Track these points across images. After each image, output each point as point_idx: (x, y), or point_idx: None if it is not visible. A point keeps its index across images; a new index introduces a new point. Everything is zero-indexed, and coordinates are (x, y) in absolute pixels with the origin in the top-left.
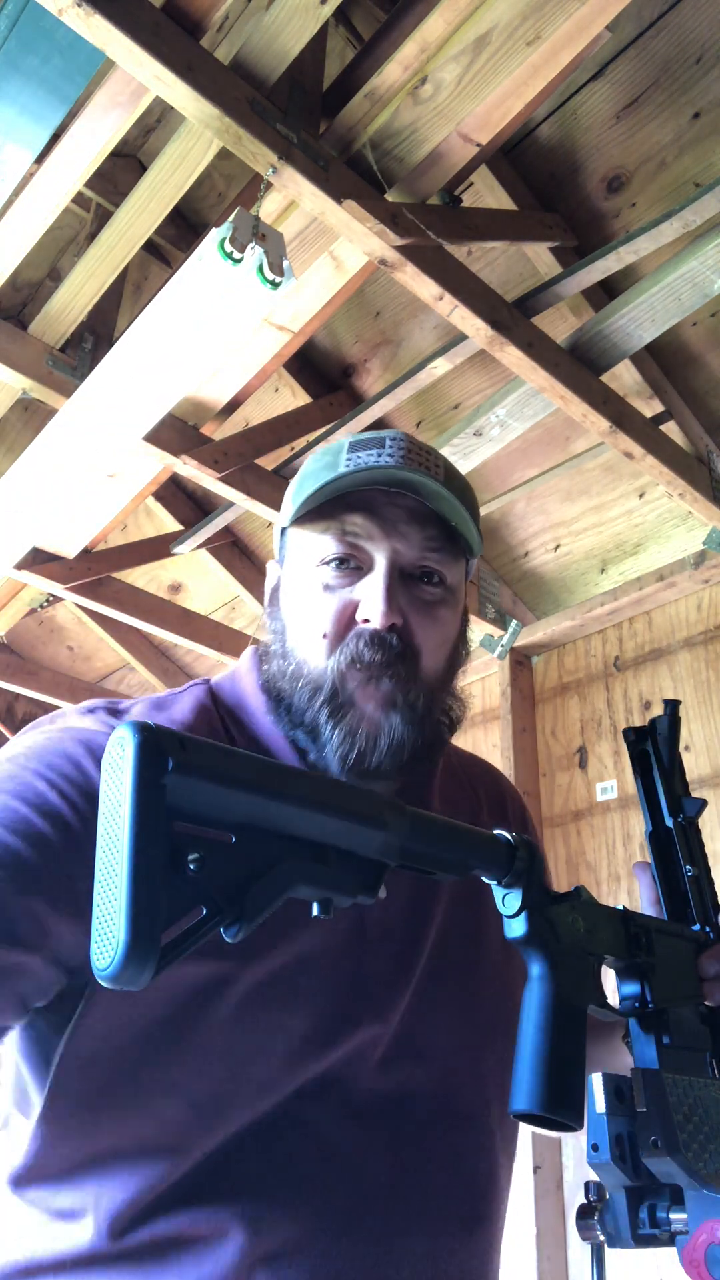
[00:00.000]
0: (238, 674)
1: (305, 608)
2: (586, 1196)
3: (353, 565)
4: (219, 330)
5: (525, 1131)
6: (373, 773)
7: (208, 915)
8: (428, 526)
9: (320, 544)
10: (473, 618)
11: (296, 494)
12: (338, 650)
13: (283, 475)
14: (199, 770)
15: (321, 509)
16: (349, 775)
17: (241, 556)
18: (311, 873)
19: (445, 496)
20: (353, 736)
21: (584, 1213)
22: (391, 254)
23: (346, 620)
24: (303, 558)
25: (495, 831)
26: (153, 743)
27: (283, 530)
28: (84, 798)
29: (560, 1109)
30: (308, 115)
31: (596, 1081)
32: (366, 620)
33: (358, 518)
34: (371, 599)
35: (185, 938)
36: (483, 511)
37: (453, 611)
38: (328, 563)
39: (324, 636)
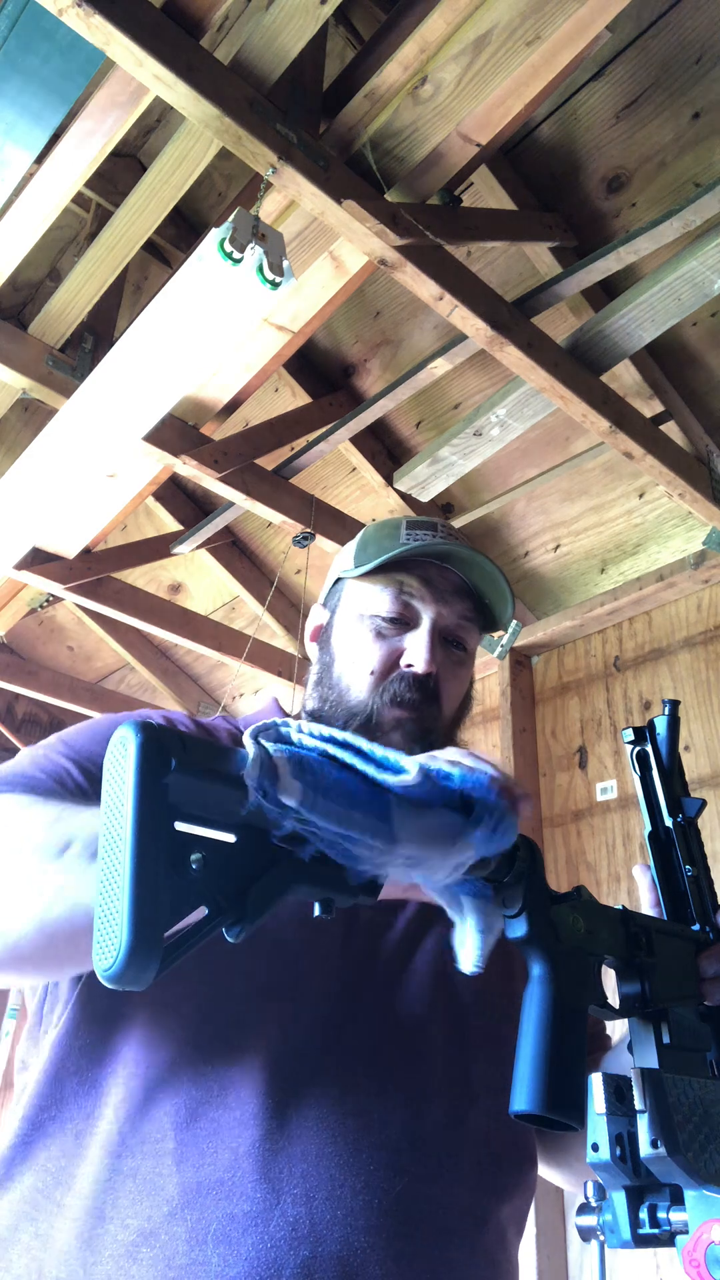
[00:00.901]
0: (261, 714)
1: (357, 648)
2: (586, 1196)
3: (402, 621)
4: (219, 330)
5: None
6: None
7: (209, 915)
8: (467, 600)
9: (379, 598)
10: None
11: (360, 553)
12: (381, 687)
13: (283, 475)
14: (201, 770)
15: (384, 570)
16: None
17: (241, 556)
18: (313, 872)
19: (491, 571)
20: None
21: (584, 1212)
22: (391, 254)
23: (392, 664)
24: (358, 607)
25: None
26: (155, 742)
27: (337, 580)
28: None
29: (560, 1109)
30: (308, 115)
31: (596, 1081)
32: (410, 665)
33: (415, 582)
34: (417, 648)
35: (187, 937)
36: (482, 511)
37: (469, 673)
38: (384, 616)
39: (371, 673)
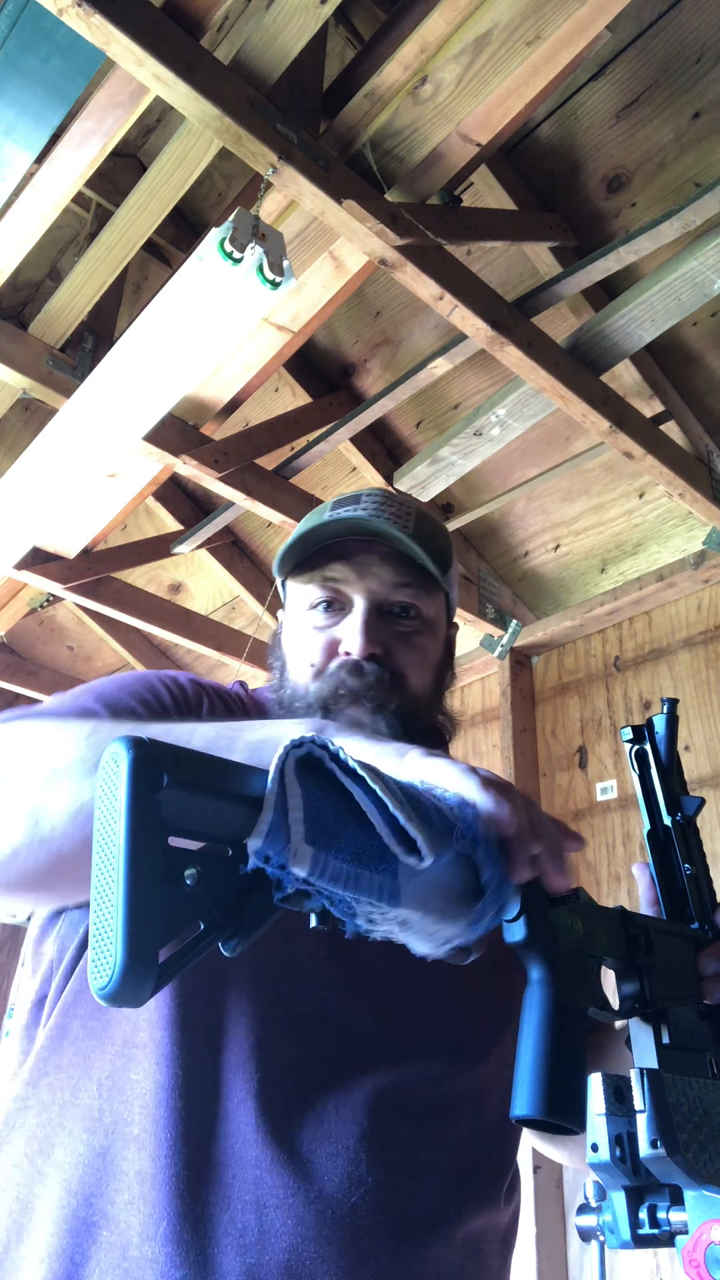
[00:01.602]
0: (264, 690)
1: (298, 645)
2: (586, 1196)
3: (336, 607)
4: (219, 330)
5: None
6: None
7: (205, 930)
8: (399, 566)
9: (307, 592)
10: (473, 618)
11: (284, 552)
12: (322, 678)
13: (283, 475)
14: (194, 784)
15: (310, 561)
16: None
17: (241, 556)
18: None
19: (409, 544)
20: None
21: (584, 1212)
22: (391, 254)
23: (331, 654)
24: (297, 604)
25: None
26: (146, 757)
27: (283, 582)
28: (181, 691)
29: (561, 1113)
30: (308, 115)
31: (596, 1082)
32: (348, 652)
33: (336, 566)
34: (350, 633)
35: (183, 953)
36: (482, 511)
37: (432, 640)
38: (315, 607)
39: (312, 666)
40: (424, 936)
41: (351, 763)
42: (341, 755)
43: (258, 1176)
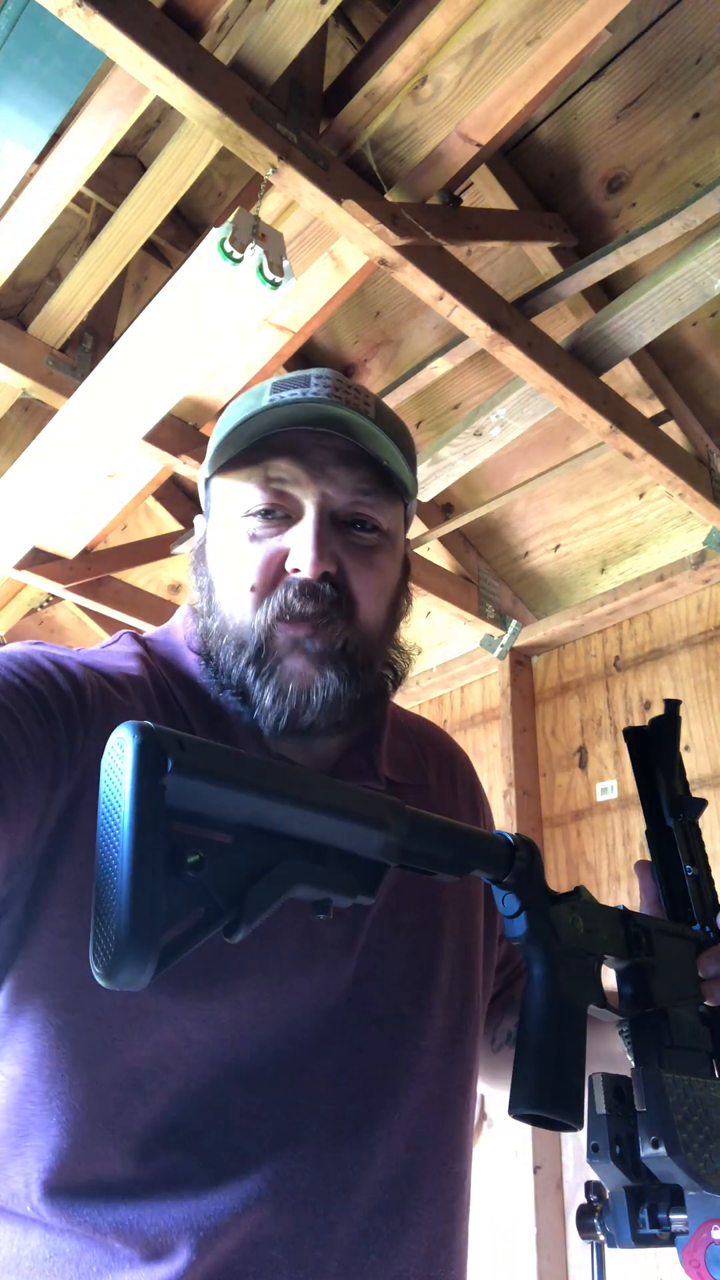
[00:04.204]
0: (171, 628)
1: (231, 560)
2: (586, 1196)
3: (280, 514)
4: (219, 330)
5: (526, 1134)
6: (308, 732)
7: (207, 916)
8: (359, 468)
9: (245, 493)
10: (473, 618)
11: (216, 439)
12: (265, 602)
13: None
14: (198, 770)
15: (246, 455)
16: (283, 737)
17: None
18: (311, 873)
19: (376, 434)
20: (283, 695)
21: (584, 1213)
22: (391, 254)
23: (275, 571)
24: (228, 509)
25: (495, 831)
26: (152, 743)
27: (206, 481)
28: (51, 680)
29: (559, 1109)
30: (308, 115)
31: (596, 1081)
32: (296, 570)
33: (283, 462)
34: (301, 547)
35: (185, 939)
36: (482, 511)
37: (391, 558)
38: (254, 513)
39: (251, 589)
40: None
41: None
42: None
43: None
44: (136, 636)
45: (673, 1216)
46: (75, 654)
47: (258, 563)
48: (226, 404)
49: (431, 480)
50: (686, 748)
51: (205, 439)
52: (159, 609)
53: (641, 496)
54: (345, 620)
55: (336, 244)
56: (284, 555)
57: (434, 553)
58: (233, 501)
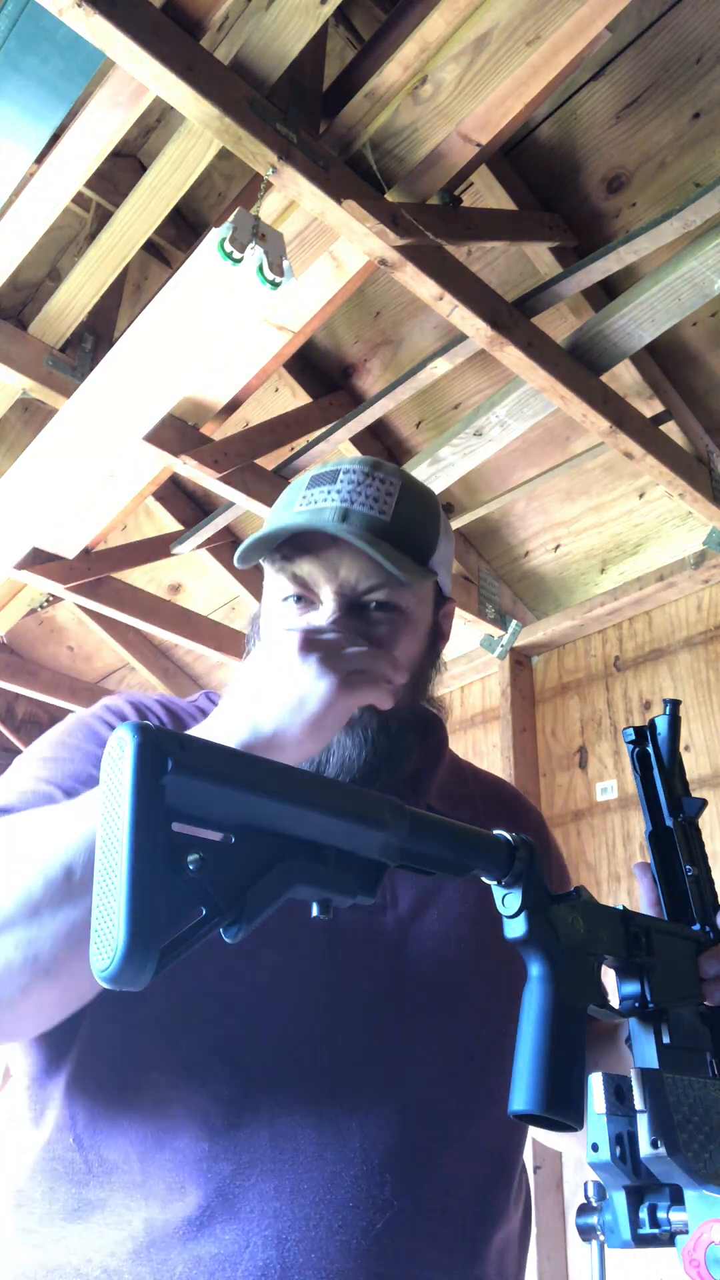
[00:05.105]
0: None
1: (268, 635)
2: (586, 1196)
3: (307, 603)
4: (219, 330)
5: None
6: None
7: (207, 916)
8: (370, 561)
9: (279, 583)
10: (473, 618)
11: (263, 530)
12: None
13: (283, 475)
14: (198, 771)
15: (280, 549)
16: None
17: None
18: (311, 873)
19: (382, 536)
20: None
21: (584, 1212)
22: (391, 254)
23: None
24: (271, 594)
25: (495, 831)
26: (152, 743)
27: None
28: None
29: (559, 1109)
30: (308, 115)
31: (596, 1081)
32: None
33: (304, 563)
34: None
35: (185, 938)
36: (482, 511)
37: (410, 634)
38: (286, 600)
39: None
40: None
41: None
42: None
43: (277, 1208)
44: (211, 696)
45: (673, 1216)
46: (159, 697)
47: None
48: (227, 403)
49: (431, 480)
50: (686, 748)
51: (205, 439)
52: (159, 609)
53: (641, 496)
54: None
55: (336, 244)
56: None
57: None
58: (274, 588)
